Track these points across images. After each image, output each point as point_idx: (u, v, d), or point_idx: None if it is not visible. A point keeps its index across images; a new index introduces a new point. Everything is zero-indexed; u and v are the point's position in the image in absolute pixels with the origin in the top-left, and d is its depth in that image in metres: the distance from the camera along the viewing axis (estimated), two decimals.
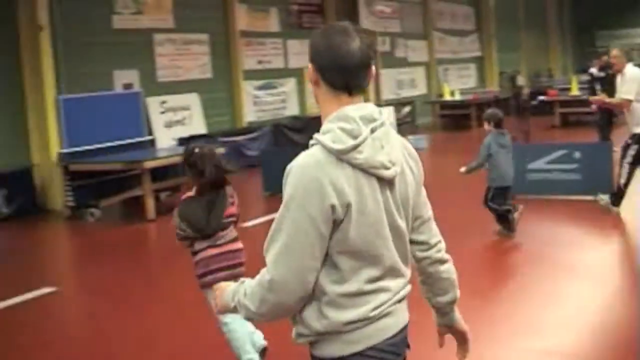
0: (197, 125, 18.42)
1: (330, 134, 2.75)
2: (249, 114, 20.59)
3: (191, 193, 5.75)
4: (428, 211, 3.09)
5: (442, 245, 3.14)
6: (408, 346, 3.00)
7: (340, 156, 2.71)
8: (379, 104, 24.81)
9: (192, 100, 18.63)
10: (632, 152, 10.18)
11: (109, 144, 14.17)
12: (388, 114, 23.83)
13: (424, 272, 3.11)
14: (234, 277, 5.05)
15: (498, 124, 9.68)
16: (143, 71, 17.46)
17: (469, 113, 25.19)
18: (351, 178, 2.71)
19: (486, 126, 9.72)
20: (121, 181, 13.73)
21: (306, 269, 2.72)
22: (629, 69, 10.41)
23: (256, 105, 20.92)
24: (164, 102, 17.75)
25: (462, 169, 9.79)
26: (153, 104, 17.39)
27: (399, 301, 2.91)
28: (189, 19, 18.75)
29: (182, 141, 16.89)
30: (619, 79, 10.69)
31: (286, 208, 2.73)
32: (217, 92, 19.61)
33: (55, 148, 14.31)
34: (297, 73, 22.63)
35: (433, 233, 3.10)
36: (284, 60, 22.29)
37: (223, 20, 20.13)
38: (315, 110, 22.74)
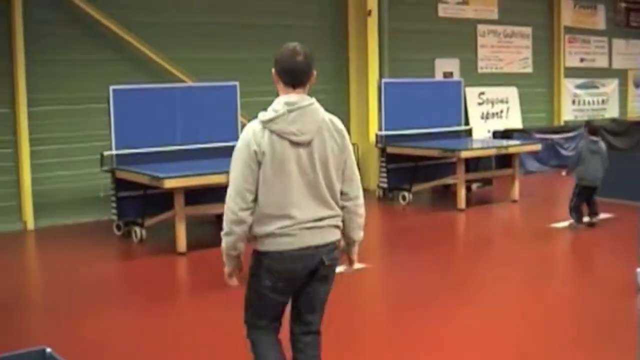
0: (513, 119, 18.14)
1: (266, 111, 4.33)
2: (567, 113, 20.00)
3: None
4: (352, 173, 4.50)
5: (360, 201, 4.58)
6: (323, 263, 4.38)
7: (264, 125, 4.29)
8: None
9: (511, 93, 18.36)
10: None
11: (426, 130, 14.21)
12: None
13: (344, 215, 4.51)
14: None
15: (593, 132, 11.36)
16: (464, 61, 17.45)
17: None
18: (268, 138, 4.24)
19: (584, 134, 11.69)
20: (434, 168, 13.75)
21: (244, 190, 4.26)
22: None
23: (575, 104, 20.27)
24: (482, 94, 17.65)
25: (563, 173, 11.75)
26: (471, 94, 17.33)
27: (307, 228, 4.30)
28: (513, 11, 18.49)
29: (497, 134, 16.72)
30: None
31: (234, 155, 4.33)
32: (536, 87, 19.21)
33: (373, 129, 14.60)
34: (621, 74, 21.70)
35: (354, 189, 4.52)
36: (608, 60, 21.40)
37: (547, 14, 19.66)
38: (636, 114, 21.78)
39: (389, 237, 11.65)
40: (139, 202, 10.81)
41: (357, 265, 4.87)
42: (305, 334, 4.62)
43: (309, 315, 4.59)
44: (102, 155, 11.07)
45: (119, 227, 11.12)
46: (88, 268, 9.46)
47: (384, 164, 13.80)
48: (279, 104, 4.32)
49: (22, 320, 7.50)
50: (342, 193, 4.46)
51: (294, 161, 4.26)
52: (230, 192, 4.30)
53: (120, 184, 10.92)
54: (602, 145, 11.35)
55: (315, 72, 4.40)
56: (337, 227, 4.47)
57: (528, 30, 19.05)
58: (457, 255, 10.34)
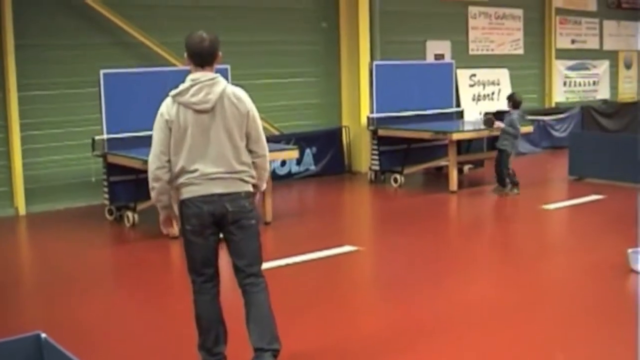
0: (505, 101, 18.10)
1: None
2: (558, 94, 20.01)
3: None
4: (258, 135, 5.31)
5: (266, 158, 5.42)
6: (227, 209, 5.18)
7: (173, 99, 5.17)
8: None
9: (502, 75, 18.36)
10: None
11: (417, 113, 14.23)
12: None
13: (255, 169, 5.35)
14: None
15: (517, 106, 12.58)
16: (455, 43, 17.44)
17: None
18: (176, 109, 5.13)
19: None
20: (426, 150, 13.77)
21: (159, 152, 5.18)
22: None
23: (566, 85, 20.29)
24: (473, 75, 17.65)
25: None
26: (463, 76, 17.33)
27: (210, 179, 5.15)
28: None
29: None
30: None
31: (154, 125, 5.22)
32: (527, 69, 19.19)
33: (365, 112, 14.61)
34: (612, 56, 21.72)
35: (260, 148, 5.34)
36: (599, 42, 21.40)
37: None
38: (627, 96, 21.81)
39: (381, 219, 11.68)
40: (131, 186, 10.79)
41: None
42: (245, 280, 5.35)
43: (240, 262, 5.34)
44: (93, 139, 11.05)
45: (111, 212, 11.11)
46: (80, 253, 9.46)
47: (375, 147, 13.80)
48: (187, 81, 5.21)
49: (16, 305, 7.51)
50: (251, 151, 5.31)
51: (198, 126, 5.14)
52: (150, 154, 5.25)
53: (111, 169, 10.91)
54: (517, 114, 12.61)
55: (220, 53, 5.29)
56: (241, 179, 5.25)
57: (519, 11, 19.01)
58: (449, 236, 10.37)
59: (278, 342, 5.32)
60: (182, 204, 5.25)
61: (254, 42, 14.07)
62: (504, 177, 12.24)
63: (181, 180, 5.19)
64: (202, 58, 5.22)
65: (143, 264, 8.89)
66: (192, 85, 5.14)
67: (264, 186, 5.54)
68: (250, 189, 5.32)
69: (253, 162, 5.31)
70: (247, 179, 5.27)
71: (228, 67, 11.92)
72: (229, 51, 13.01)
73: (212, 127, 5.14)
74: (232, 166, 5.20)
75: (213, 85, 5.16)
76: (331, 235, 9.96)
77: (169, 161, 5.19)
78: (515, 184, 12.30)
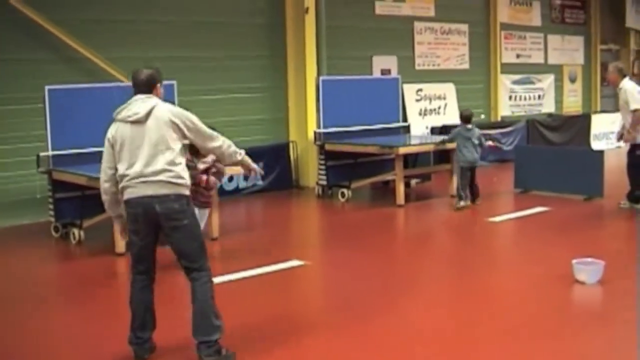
0: (451, 115, 18.30)
1: None
2: (504, 108, 20.26)
3: None
4: (205, 135, 5.99)
5: (218, 148, 6.08)
6: (157, 210, 5.72)
7: (115, 119, 5.92)
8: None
9: (448, 89, 18.56)
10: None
11: (364, 127, 14.30)
12: None
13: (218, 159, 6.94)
14: None
15: (466, 120, 12.64)
16: (401, 58, 17.59)
17: None
18: (115, 128, 5.90)
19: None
20: (373, 164, 13.85)
21: (106, 167, 5.97)
22: (627, 82, 11.67)
23: (511, 99, 20.54)
24: (419, 90, 17.81)
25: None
26: (409, 91, 17.47)
27: (142, 182, 5.73)
28: (449, 8, 18.72)
29: (435, 130, 16.87)
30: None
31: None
32: (473, 84, 19.44)
33: (312, 127, 14.65)
34: (557, 70, 22.09)
35: (214, 142, 6.05)
36: (544, 56, 21.75)
37: (484, 11, 19.95)
38: (572, 109, 22.14)
39: (328, 233, 11.69)
40: (77, 203, 10.72)
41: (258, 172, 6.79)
42: (188, 275, 5.92)
43: (181, 260, 5.92)
44: (38, 156, 10.95)
45: (56, 229, 11.00)
46: (26, 270, 9.37)
47: (322, 161, 13.84)
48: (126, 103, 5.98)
49: None
50: (213, 148, 6.06)
51: (133, 136, 5.79)
52: (101, 170, 6.05)
53: (57, 185, 10.82)
54: (476, 130, 12.67)
55: (158, 85, 6.02)
56: (170, 182, 5.75)
57: (465, 27, 19.26)
58: (396, 250, 10.40)
59: (215, 332, 5.82)
60: (125, 204, 5.92)
61: (200, 58, 14.06)
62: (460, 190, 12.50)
63: (122, 184, 5.84)
64: (138, 87, 5.97)
65: (90, 281, 8.80)
66: (127, 105, 5.90)
67: (236, 158, 6.25)
68: (182, 191, 5.83)
69: (221, 152, 6.10)
70: (176, 181, 5.78)
71: (174, 82, 11.90)
72: (176, 67, 13.14)
73: (145, 135, 5.76)
74: (161, 170, 5.74)
75: (144, 101, 5.86)
76: (278, 250, 9.95)
77: (114, 174, 5.91)
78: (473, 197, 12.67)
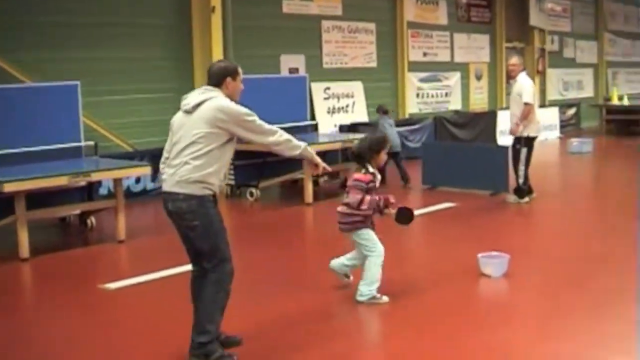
0: (359, 113, 18.42)
1: None
2: (412, 106, 20.45)
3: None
4: (252, 131, 5.93)
5: (272, 140, 6.00)
6: (169, 209, 5.78)
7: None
8: (543, 104, 24.28)
9: (356, 88, 18.64)
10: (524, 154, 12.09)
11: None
12: (552, 115, 23.34)
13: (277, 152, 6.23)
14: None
15: (385, 112, 14.86)
16: (309, 56, 17.59)
17: (637, 119, 24.15)
18: (178, 113, 5.97)
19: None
20: (282, 163, 13.80)
21: (165, 150, 6.01)
22: (524, 76, 12.22)
23: (419, 97, 20.75)
24: (327, 89, 17.85)
25: None
26: (317, 89, 17.50)
27: (169, 175, 5.74)
28: (357, 7, 18.77)
29: (343, 128, 16.94)
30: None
31: None
32: (380, 82, 19.54)
33: None
34: (463, 67, 22.39)
35: (262, 138, 5.97)
36: (450, 54, 22.02)
37: (391, 9, 20.05)
38: (478, 106, 22.47)
39: (236, 233, 11.53)
40: None
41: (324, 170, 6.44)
42: (199, 272, 5.96)
43: (196, 256, 5.94)
44: None
45: None
46: None
47: (230, 161, 13.71)
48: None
49: None
50: (269, 143, 5.96)
51: (180, 125, 5.83)
52: None
53: None
54: (392, 120, 15.00)
55: (228, 79, 6.02)
56: (181, 181, 5.66)
57: (372, 25, 19.35)
58: (304, 248, 10.43)
59: (205, 334, 5.76)
60: None
61: (105, 59, 13.82)
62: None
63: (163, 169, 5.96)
64: (208, 78, 6.05)
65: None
66: (190, 94, 6.00)
67: (294, 152, 6.07)
68: (193, 191, 5.67)
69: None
70: (189, 178, 5.66)
71: (78, 83, 11.73)
72: (80, 68, 12.92)
73: (187, 127, 5.76)
74: (180, 164, 5.70)
75: (201, 93, 5.89)
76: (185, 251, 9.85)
77: (168, 158, 5.90)
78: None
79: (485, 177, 13.01)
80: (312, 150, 6.22)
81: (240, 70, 6.17)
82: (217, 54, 14.88)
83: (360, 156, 7.36)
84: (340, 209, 7.47)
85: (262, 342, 6.39)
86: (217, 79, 5.99)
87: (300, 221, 12.10)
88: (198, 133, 5.68)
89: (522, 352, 6.12)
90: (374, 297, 7.27)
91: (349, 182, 7.40)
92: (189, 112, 5.80)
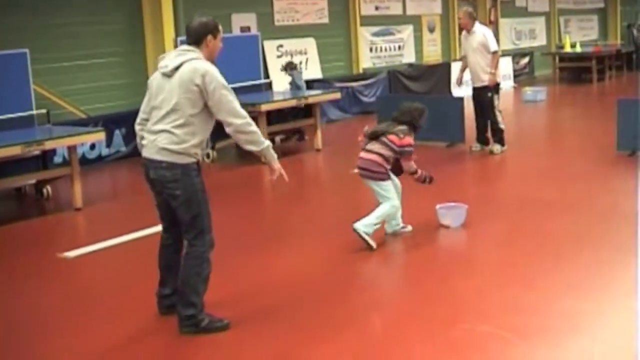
0: (313, 70, 18.35)
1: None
2: (365, 61, 20.39)
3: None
4: (216, 106, 5.51)
5: (237, 127, 5.60)
6: (150, 177, 5.65)
7: (157, 65, 5.72)
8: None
9: (309, 44, 18.56)
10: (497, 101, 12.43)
11: None
12: (505, 65, 23.38)
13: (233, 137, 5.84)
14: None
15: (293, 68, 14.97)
16: (260, 15, 17.46)
17: (589, 66, 24.30)
18: (154, 74, 5.74)
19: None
20: None
21: (141, 111, 5.84)
22: (481, 26, 12.51)
23: (372, 51, 20.69)
24: (280, 46, 17.76)
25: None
26: (270, 47, 17.40)
27: (150, 141, 5.59)
28: None
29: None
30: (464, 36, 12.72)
31: None
32: (333, 38, 19.46)
33: None
34: (415, 20, 22.34)
35: (229, 117, 5.55)
36: (402, 7, 21.92)
37: None
38: (432, 59, 22.47)
39: None
40: None
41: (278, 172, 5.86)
42: (164, 240, 6.03)
43: (166, 224, 5.96)
44: None
45: None
46: None
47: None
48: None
49: None
50: (228, 124, 5.56)
51: (159, 88, 5.58)
52: None
53: None
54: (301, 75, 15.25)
55: (209, 37, 5.66)
56: (164, 149, 5.48)
57: None
58: (265, 207, 10.44)
59: (192, 307, 5.67)
60: None
61: (53, 25, 13.61)
62: None
63: (141, 133, 5.84)
64: (187, 36, 5.72)
65: None
66: (166, 54, 5.81)
67: (254, 148, 5.73)
68: (177, 160, 5.50)
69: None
70: (172, 147, 5.48)
71: (27, 50, 11.57)
72: (28, 35, 12.71)
73: (166, 91, 5.53)
74: (161, 131, 5.52)
75: (179, 55, 5.60)
76: (144, 215, 9.74)
77: (146, 120, 5.72)
78: None
79: (441, 128, 13.00)
80: (274, 153, 5.83)
81: (220, 27, 5.80)
82: (168, 16, 14.72)
83: (411, 123, 8.18)
84: (369, 156, 8.00)
85: (257, 302, 6.41)
86: (197, 36, 5.65)
87: (259, 180, 12.07)
88: (178, 100, 5.45)
89: (481, 300, 6.19)
90: (366, 234, 7.59)
91: (397, 145, 7.99)
92: (167, 75, 5.53)
